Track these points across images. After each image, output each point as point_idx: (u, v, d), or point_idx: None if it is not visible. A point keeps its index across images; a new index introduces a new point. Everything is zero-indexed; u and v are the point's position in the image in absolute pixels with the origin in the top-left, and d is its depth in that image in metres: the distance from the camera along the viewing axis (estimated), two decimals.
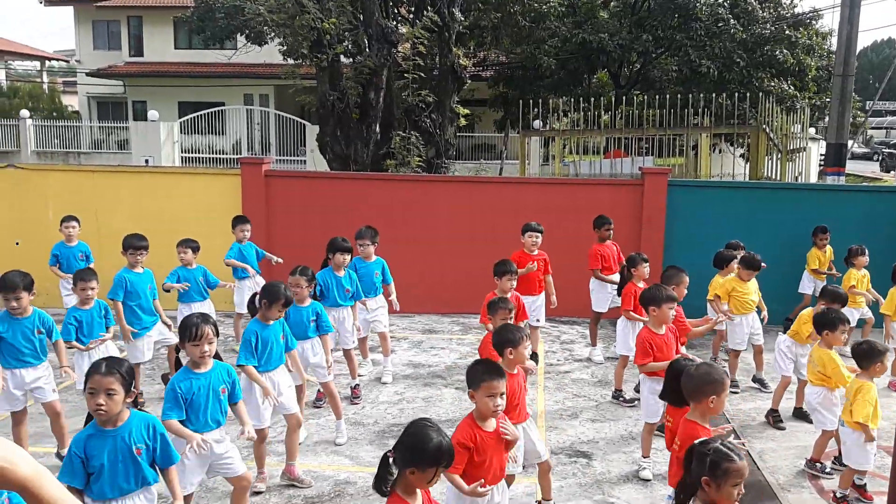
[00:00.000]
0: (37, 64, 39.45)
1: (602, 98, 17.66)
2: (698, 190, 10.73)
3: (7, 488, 1.31)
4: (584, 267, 8.83)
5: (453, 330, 9.96)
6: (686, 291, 6.48)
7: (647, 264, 7.34)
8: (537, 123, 17.63)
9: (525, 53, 22.47)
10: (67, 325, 5.90)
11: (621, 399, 7.27)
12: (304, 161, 24.33)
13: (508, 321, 5.34)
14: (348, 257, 7.11)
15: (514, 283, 6.81)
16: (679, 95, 15.82)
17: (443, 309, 10.59)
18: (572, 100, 16.82)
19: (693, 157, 17.20)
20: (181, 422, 4.23)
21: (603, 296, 8.56)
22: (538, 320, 8.16)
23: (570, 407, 7.19)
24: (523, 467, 5.56)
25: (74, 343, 5.86)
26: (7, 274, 5.54)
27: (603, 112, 16.79)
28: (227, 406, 4.47)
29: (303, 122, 24.76)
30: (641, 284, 7.14)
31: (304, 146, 24.65)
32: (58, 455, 5.76)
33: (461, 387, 7.30)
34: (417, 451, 3.10)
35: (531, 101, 16.23)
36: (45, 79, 37.80)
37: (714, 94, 16.07)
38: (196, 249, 7.70)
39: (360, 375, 7.58)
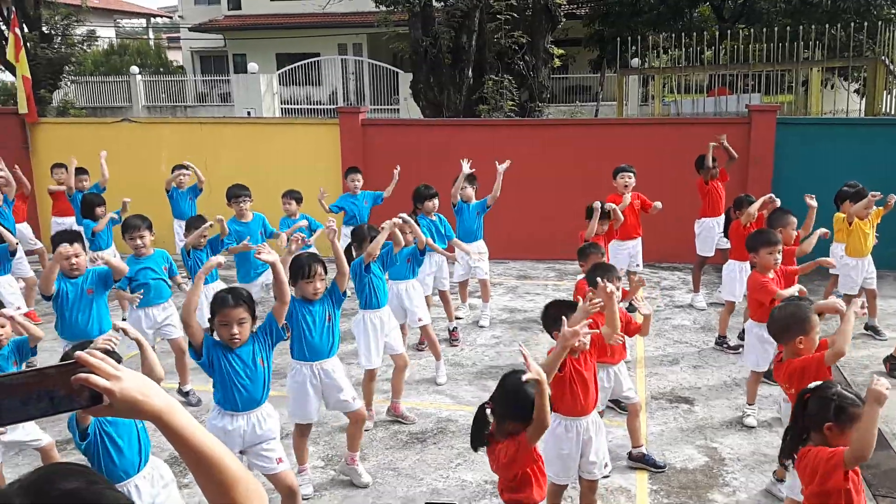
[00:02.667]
0: (143, 21, 40.97)
1: (705, 33, 16.77)
2: (809, 128, 10.16)
3: (141, 418, 1.43)
4: (686, 211, 8.59)
5: (548, 276, 9.95)
6: (794, 233, 6.23)
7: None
8: (635, 62, 16.99)
9: None
10: (191, 267, 6.40)
11: (725, 346, 7.12)
12: (398, 109, 24.43)
13: None
14: (436, 201, 7.23)
15: (605, 226, 6.79)
16: (788, 28, 14.82)
17: (538, 255, 10.57)
18: (672, 36, 16.03)
19: (803, 93, 16.20)
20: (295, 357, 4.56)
21: (709, 239, 8.33)
22: (637, 265, 8.04)
23: (671, 353, 7.10)
24: (623, 408, 5.57)
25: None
26: (129, 217, 6.09)
27: (706, 48, 15.97)
28: (338, 338, 4.73)
29: (395, 70, 24.79)
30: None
31: (397, 94, 24.73)
32: (179, 391, 6.20)
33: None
34: (517, 405, 3.13)
35: (629, 39, 15.64)
36: (151, 35, 39.29)
37: (826, 25, 14.99)
38: (299, 200, 7.97)
39: (458, 318, 7.74)
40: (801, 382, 3.80)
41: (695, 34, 15.41)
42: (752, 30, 15.97)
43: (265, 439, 4.04)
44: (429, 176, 8.78)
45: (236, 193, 7.33)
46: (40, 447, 4.55)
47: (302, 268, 4.54)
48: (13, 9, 15.76)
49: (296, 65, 24.84)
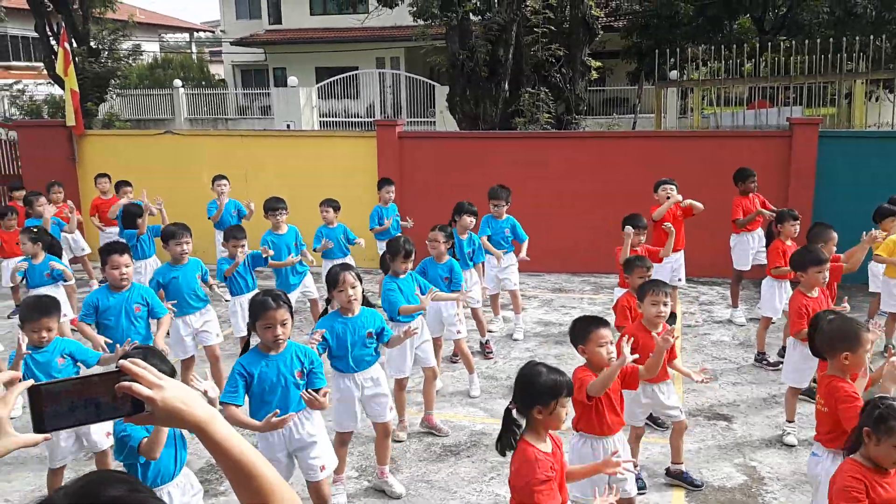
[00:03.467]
0: (186, 36, 41.91)
1: (745, 45, 16.59)
2: (852, 141, 9.96)
3: (183, 427, 1.47)
4: (725, 225, 8.48)
5: (584, 289, 9.88)
6: (835, 249, 6.12)
7: (797, 222, 6.96)
8: (674, 74, 16.83)
9: (661, 0, 21.42)
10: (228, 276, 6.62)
11: (765, 362, 6.99)
12: (434, 122, 24.57)
13: (647, 279, 5.26)
14: (474, 220, 7.24)
15: (643, 237, 6.77)
16: (831, 39, 14.58)
17: (573, 268, 10.51)
18: (712, 48, 15.85)
19: (846, 106, 15.89)
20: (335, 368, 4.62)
21: (744, 254, 8.20)
22: (679, 280, 7.95)
23: (710, 369, 6.96)
24: (660, 424, 5.54)
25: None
26: (168, 225, 6.24)
27: (746, 60, 15.78)
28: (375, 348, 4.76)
29: (432, 83, 24.95)
30: (790, 243, 6.82)
31: (434, 107, 24.87)
32: None
33: None
34: (535, 389, 3.17)
35: (667, 51, 15.49)
36: (194, 49, 40.14)
37: (871, 37, 14.71)
38: (337, 209, 8.10)
39: (490, 332, 7.73)
40: (836, 409, 3.70)
41: (735, 46, 15.24)
42: (793, 42, 15.74)
43: (306, 443, 4.04)
44: (464, 188, 8.84)
45: (273, 206, 7.48)
46: (99, 451, 4.65)
47: (333, 279, 4.61)
48: (63, 24, 16.26)
49: (334, 78, 25.17)
